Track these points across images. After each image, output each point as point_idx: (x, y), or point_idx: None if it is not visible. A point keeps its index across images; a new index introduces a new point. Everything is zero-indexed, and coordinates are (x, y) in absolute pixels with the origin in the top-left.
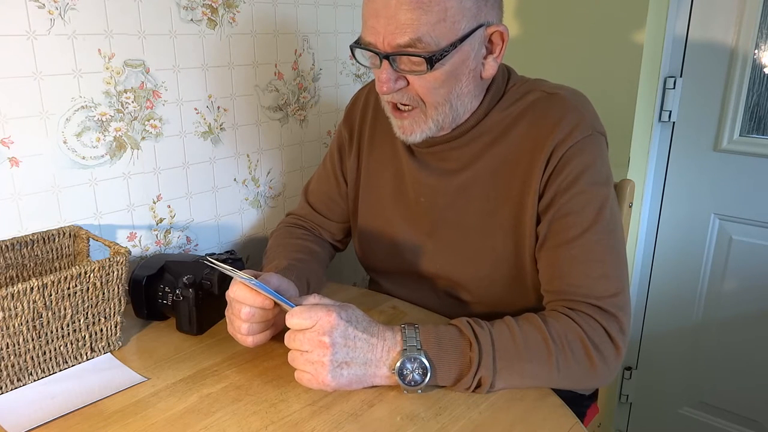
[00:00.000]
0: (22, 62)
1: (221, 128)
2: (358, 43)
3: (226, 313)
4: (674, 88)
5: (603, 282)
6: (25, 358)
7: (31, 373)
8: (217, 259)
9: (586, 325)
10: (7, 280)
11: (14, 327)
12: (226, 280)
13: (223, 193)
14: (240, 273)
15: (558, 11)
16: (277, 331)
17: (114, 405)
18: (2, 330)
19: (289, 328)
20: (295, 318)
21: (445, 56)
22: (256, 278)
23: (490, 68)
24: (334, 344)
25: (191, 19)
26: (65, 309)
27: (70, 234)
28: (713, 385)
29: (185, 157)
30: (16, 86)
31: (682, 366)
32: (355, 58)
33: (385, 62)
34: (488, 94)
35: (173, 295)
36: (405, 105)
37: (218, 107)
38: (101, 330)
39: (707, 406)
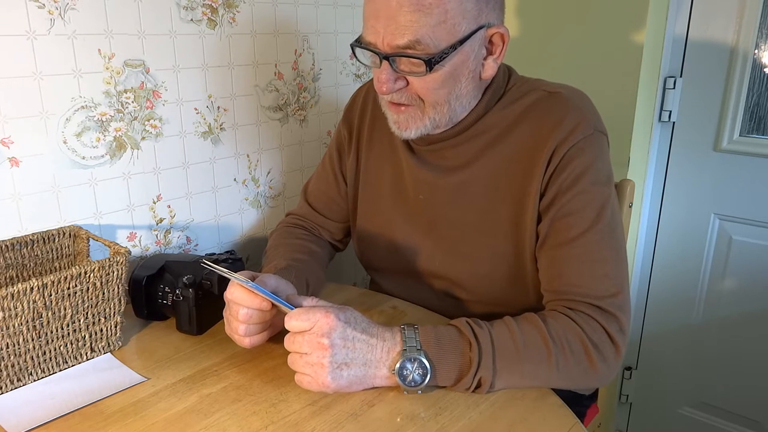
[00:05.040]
0: (22, 62)
1: (221, 128)
2: (359, 42)
3: (223, 314)
4: (674, 88)
5: (603, 282)
6: (25, 358)
7: (31, 373)
8: (217, 260)
9: (586, 325)
10: (7, 280)
11: (14, 327)
12: (226, 280)
13: (223, 193)
14: (236, 275)
15: (558, 11)
16: (274, 332)
17: (114, 405)
18: (2, 330)
19: (288, 330)
20: (293, 320)
21: (444, 58)
22: (253, 280)
23: (490, 69)
24: (333, 345)
25: (191, 19)
26: (65, 309)
27: (70, 234)
28: (713, 385)
29: (185, 157)
30: (16, 86)
31: (682, 366)
32: (356, 57)
33: (385, 63)
34: (487, 92)
35: (173, 295)
36: (402, 103)
37: (218, 107)
38: (101, 330)
39: (707, 406)
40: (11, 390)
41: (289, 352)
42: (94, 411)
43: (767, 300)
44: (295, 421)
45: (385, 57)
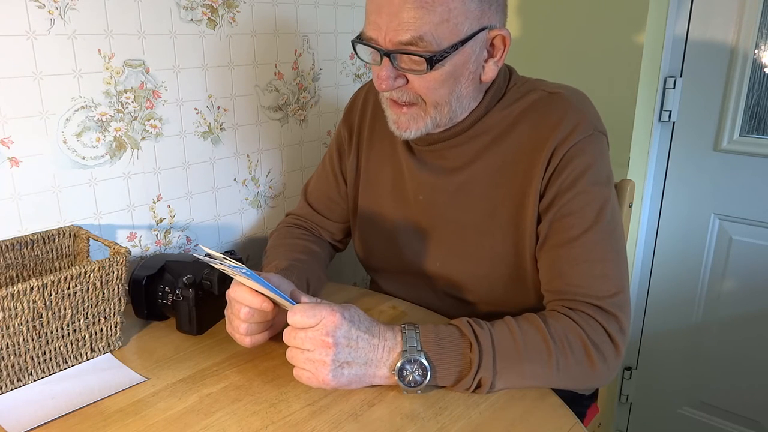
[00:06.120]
0: (22, 62)
1: (221, 128)
2: (360, 39)
3: (225, 312)
4: (674, 88)
5: (603, 282)
6: (25, 358)
7: (31, 373)
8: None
9: (586, 325)
10: (7, 280)
11: (14, 327)
12: (226, 280)
13: (223, 193)
14: (235, 263)
15: (558, 11)
16: (275, 332)
17: (114, 405)
18: (2, 330)
19: (287, 325)
20: (298, 315)
21: (445, 57)
22: None
23: (490, 71)
24: (337, 344)
25: (191, 19)
26: (65, 309)
27: (70, 234)
28: (713, 385)
29: (185, 157)
30: (16, 86)
31: (682, 366)
32: (357, 54)
33: (386, 60)
34: (488, 93)
35: (173, 295)
36: (405, 102)
37: (218, 107)
38: (101, 330)
39: (707, 406)
40: (11, 390)
41: (287, 346)
42: (94, 411)
43: (767, 300)
44: (295, 421)
45: (386, 54)
